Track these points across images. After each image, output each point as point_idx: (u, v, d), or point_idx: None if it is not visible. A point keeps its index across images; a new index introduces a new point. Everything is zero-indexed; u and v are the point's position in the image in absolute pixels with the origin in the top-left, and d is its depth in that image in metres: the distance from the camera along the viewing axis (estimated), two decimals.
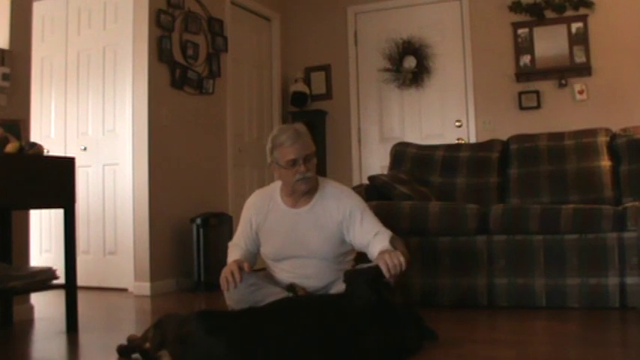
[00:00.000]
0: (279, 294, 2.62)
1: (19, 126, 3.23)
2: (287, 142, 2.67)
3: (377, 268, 2.48)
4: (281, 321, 2.12)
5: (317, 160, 2.82)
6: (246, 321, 2.12)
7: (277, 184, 2.88)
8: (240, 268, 2.57)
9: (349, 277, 2.51)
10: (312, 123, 5.44)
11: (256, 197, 2.92)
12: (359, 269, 2.66)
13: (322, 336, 2.09)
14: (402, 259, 2.47)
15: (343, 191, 2.87)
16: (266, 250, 2.84)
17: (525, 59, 5.44)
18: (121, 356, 2.30)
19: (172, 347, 1.98)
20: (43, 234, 4.90)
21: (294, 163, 2.67)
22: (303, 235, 2.75)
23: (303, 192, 2.75)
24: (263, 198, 2.88)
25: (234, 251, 2.82)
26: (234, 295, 2.64)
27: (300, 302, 2.49)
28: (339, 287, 2.62)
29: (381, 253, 2.56)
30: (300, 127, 2.77)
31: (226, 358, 1.92)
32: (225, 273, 2.57)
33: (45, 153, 3.43)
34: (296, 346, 2.01)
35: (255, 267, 2.99)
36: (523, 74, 5.44)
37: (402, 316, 2.42)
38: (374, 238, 2.69)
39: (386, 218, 3.04)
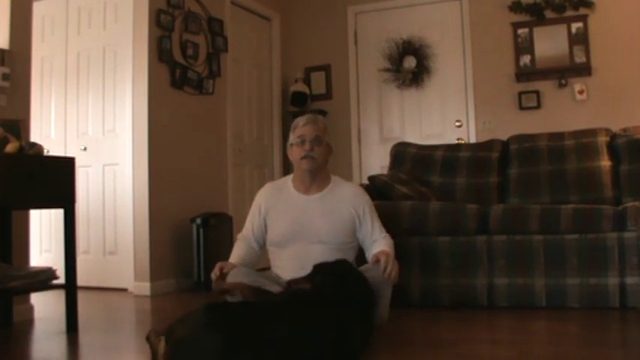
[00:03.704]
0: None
1: (19, 126, 3.23)
2: (301, 123, 2.93)
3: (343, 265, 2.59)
4: (281, 320, 2.11)
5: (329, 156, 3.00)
6: (246, 319, 2.11)
7: (290, 176, 3.04)
8: (221, 270, 2.74)
9: (316, 269, 2.55)
10: None
11: (267, 187, 3.09)
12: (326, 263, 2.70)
13: (320, 336, 2.09)
14: (396, 269, 2.70)
15: (358, 188, 3.09)
16: (272, 235, 2.90)
17: (525, 59, 5.44)
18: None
19: (169, 336, 1.98)
20: (43, 234, 4.89)
21: (302, 141, 2.87)
22: (312, 220, 2.85)
23: (306, 171, 2.87)
24: (275, 186, 3.06)
25: (238, 249, 2.94)
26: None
27: (299, 301, 2.46)
28: None
29: (382, 253, 2.73)
30: (320, 116, 3.07)
31: (221, 356, 1.91)
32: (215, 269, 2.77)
33: (45, 153, 3.42)
34: (294, 347, 2.01)
35: (258, 267, 3.01)
36: (523, 74, 5.44)
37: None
38: (380, 240, 2.87)
39: (386, 218, 3.06)
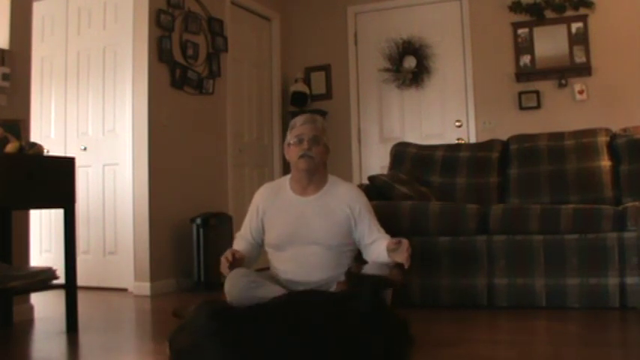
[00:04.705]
0: (279, 292, 2.62)
1: (19, 126, 3.23)
2: (299, 122, 2.88)
3: (383, 278, 2.51)
4: (280, 324, 2.09)
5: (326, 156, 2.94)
6: (251, 325, 2.09)
7: (287, 177, 3.00)
8: (235, 258, 2.68)
9: (355, 280, 2.49)
10: None
11: (265, 187, 3.05)
12: (366, 274, 2.65)
13: (319, 341, 2.06)
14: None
15: (355, 188, 3.03)
16: (270, 237, 2.88)
17: (525, 59, 5.44)
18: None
19: (172, 344, 1.97)
20: (43, 234, 4.89)
21: (300, 140, 2.83)
22: (309, 221, 2.81)
23: (303, 171, 2.84)
24: (272, 188, 3.02)
25: (239, 243, 2.92)
26: (234, 291, 2.65)
27: (301, 304, 2.44)
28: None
29: (395, 250, 2.63)
30: (318, 116, 3.00)
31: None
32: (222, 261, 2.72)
33: (45, 153, 3.42)
34: (293, 349, 2.00)
35: (257, 267, 3.01)
36: (523, 74, 5.44)
37: (396, 325, 2.39)
38: (379, 239, 2.79)
39: (386, 218, 3.05)
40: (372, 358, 2.15)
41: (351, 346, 2.10)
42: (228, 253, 2.71)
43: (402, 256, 2.57)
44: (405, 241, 2.60)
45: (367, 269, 2.70)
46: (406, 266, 2.57)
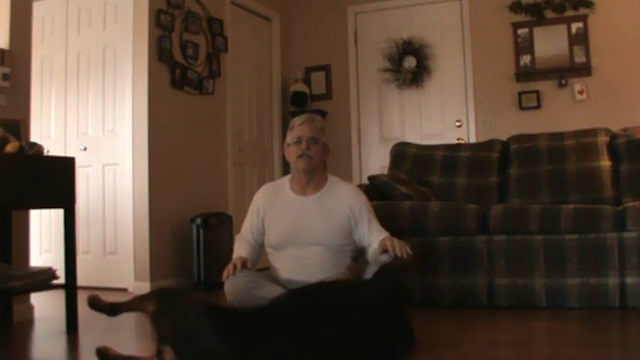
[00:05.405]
0: (279, 292, 2.63)
1: (19, 126, 3.23)
2: (297, 123, 2.91)
3: (392, 264, 2.59)
4: (287, 322, 2.09)
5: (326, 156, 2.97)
6: (252, 321, 2.09)
7: (287, 177, 3.02)
8: (244, 265, 2.71)
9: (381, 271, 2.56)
10: None
11: (265, 188, 3.06)
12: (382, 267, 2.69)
13: (327, 337, 2.07)
14: (405, 246, 2.64)
15: (354, 188, 3.05)
16: (270, 237, 2.89)
17: (525, 59, 5.44)
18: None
19: (175, 343, 1.96)
20: (43, 234, 4.89)
21: (298, 140, 2.85)
22: (309, 221, 2.82)
23: (302, 170, 2.86)
24: (272, 188, 3.03)
25: (241, 245, 2.93)
26: (234, 291, 2.66)
27: (306, 299, 2.44)
28: None
29: (385, 239, 2.71)
30: (317, 116, 3.02)
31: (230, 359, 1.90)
32: (228, 265, 2.73)
33: (45, 153, 3.42)
34: (301, 346, 2.00)
35: (258, 266, 3.00)
36: (523, 74, 5.44)
37: (402, 318, 2.40)
38: (378, 238, 2.79)
39: (386, 218, 3.06)
40: (374, 346, 2.16)
41: (355, 336, 2.11)
42: (238, 262, 2.72)
43: (398, 253, 2.61)
44: (388, 244, 2.65)
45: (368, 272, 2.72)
46: (404, 255, 2.61)
